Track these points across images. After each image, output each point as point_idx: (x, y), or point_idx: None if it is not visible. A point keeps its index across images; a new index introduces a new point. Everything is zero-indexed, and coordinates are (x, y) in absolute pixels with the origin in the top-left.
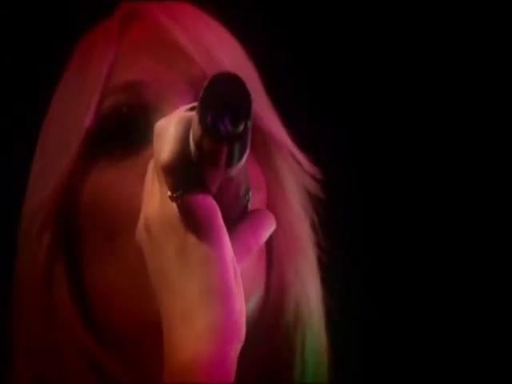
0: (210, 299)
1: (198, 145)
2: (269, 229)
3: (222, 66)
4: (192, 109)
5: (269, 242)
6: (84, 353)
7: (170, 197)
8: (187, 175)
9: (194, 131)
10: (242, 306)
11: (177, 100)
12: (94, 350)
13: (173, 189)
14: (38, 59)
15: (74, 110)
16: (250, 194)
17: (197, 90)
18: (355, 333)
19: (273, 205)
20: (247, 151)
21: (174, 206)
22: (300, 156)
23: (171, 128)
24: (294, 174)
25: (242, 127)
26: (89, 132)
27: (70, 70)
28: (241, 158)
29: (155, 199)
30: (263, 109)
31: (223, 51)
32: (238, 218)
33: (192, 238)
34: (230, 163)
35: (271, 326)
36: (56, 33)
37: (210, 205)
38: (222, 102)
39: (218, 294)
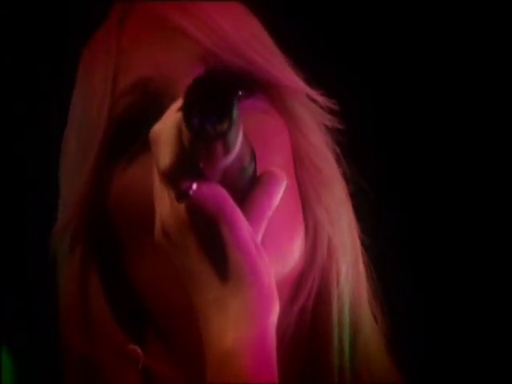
0: (238, 283)
1: (192, 146)
2: (279, 189)
3: (222, 32)
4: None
5: (298, 185)
6: (127, 361)
7: (176, 199)
8: (188, 175)
9: (184, 134)
10: (271, 276)
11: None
12: (137, 357)
13: (174, 192)
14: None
15: (88, 121)
16: (254, 162)
17: (206, 67)
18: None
19: (295, 146)
20: (240, 133)
21: (182, 207)
22: (313, 93)
23: (166, 132)
24: (311, 112)
25: (227, 123)
26: (105, 138)
27: (78, 83)
28: (235, 143)
29: (166, 203)
30: (268, 59)
31: (222, 18)
32: (247, 186)
33: (208, 230)
34: (226, 152)
35: (307, 264)
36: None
37: (216, 193)
38: (204, 103)
39: (244, 276)
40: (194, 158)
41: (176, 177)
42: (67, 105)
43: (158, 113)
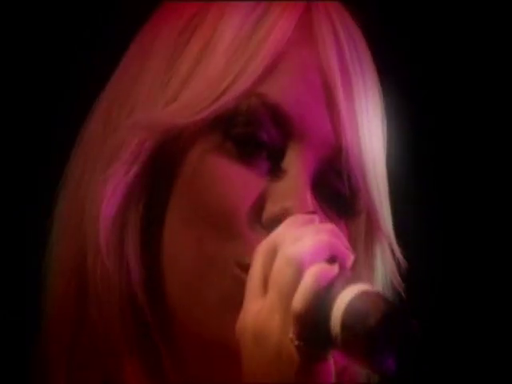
0: None
1: (346, 338)
2: None
3: (360, 135)
4: (332, 261)
5: None
6: (132, 304)
7: (290, 339)
8: (316, 332)
9: (349, 330)
10: None
11: (312, 147)
12: (142, 304)
13: (297, 336)
14: None
15: (220, 69)
16: None
17: (326, 161)
18: None
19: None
20: None
21: (290, 346)
22: (396, 248)
23: (309, 281)
24: (384, 263)
25: (401, 366)
26: (219, 101)
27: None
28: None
29: (274, 320)
30: (378, 191)
31: (367, 123)
32: None
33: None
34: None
35: None
36: None
37: (328, 366)
38: (391, 339)
39: None
40: (337, 346)
41: (303, 325)
42: None
43: (277, 147)
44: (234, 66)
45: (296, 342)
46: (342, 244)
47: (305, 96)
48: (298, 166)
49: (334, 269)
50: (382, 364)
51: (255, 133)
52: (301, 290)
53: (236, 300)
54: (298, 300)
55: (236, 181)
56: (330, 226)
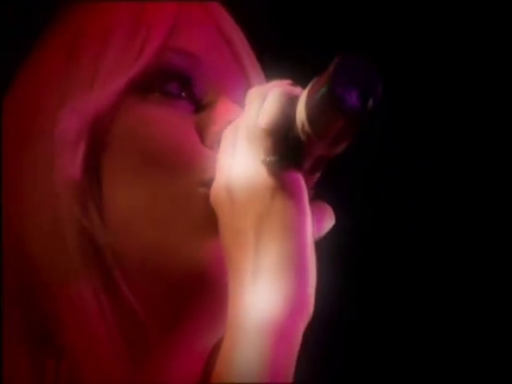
0: (287, 268)
1: (312, 116)
2: (331, 222)
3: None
4: (292, 84)
5: None
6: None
7: (262, 160)
8: (286, 143)
9: (312, 102)
10: (314, 280)
11: (227, 89)
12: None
13: (268, 152)
14: None
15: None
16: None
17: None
18: None
19: None
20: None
21: (262, 170)
22: None
23: (272, 97)
24: None
25: (368, 106)
26: (149, 66)
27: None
28: (349, 139)
29: (239, 162)
30: None
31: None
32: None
33: (278, 206)
34: (338, 141)
35: None
36: None
37: (300, 182)
38: (352, 78)
39: (296, 265)
40: (304, 131)
41: (273, 138)
42: None
43: (200, 85)
44: (139, 34)
45: (268, 158)
46: None
47: (212, 44)
48: (221, 98)
49: (297, 89)
50: (345, 100)
51: (177, 82)
52: (266, 107)
53: (210, 218)
54: (267, 114)
55: (170, 120)
56: None
